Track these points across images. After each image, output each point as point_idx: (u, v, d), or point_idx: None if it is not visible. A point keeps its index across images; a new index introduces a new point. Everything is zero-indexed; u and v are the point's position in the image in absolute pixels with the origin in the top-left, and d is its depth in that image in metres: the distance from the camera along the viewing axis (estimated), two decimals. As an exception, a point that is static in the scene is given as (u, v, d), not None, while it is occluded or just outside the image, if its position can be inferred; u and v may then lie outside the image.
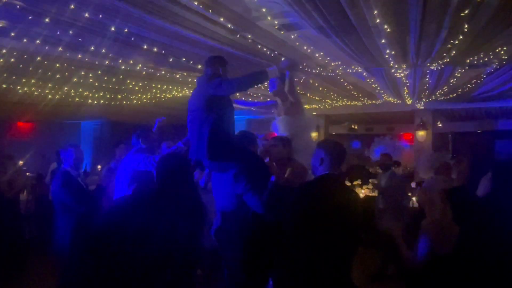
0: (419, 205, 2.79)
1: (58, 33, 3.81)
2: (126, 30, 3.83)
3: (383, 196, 5.88)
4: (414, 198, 6.86)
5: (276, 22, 3.90)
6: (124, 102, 8.13)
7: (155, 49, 4.48)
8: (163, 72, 5.72)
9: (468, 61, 5.16)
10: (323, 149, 2.46)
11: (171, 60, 4.95)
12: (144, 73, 5.65)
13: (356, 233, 2.32)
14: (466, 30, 3.85)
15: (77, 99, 7.37)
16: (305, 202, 2.28)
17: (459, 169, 2.51)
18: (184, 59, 4.99)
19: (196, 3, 3.25)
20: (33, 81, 5.85)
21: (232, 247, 2.94)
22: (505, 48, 4.54)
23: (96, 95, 7.23)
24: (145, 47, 4.36)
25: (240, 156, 2.95)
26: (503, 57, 4.87)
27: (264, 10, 3.57)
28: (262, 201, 2.63)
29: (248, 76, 3.00)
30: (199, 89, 3.22)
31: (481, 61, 5.12)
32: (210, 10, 3.43)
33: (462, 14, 3.46)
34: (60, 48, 4.25)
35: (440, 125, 10.67)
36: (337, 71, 5.93)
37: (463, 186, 2.31)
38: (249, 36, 4.19)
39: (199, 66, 5.31)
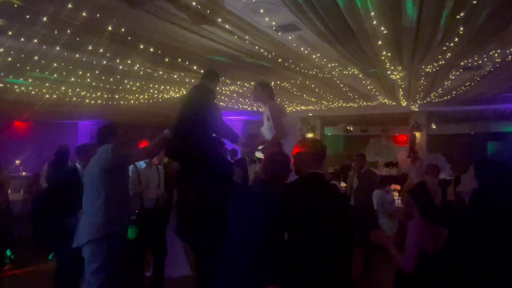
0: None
1: (55, 32, 3.81)
2: (123, 29, 3.84)
3: None
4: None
5: (273, 23, 3.93)
6: (122, 102, 8.11)
7: (152, 49, 4.49)
8: (161, 72, 5.74)
9: (462, 63, 5.22)
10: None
11: (168, 60, 4.97)
12: (141, 73, 5.66)
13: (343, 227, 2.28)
14: (461, 32, 3.91)
15: (74, 98, 7.33)
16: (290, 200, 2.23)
17: (415, 167, 2.59)
18: (180, 60, 5.01)
19: (194, 3, 3.27)
20: (30, 80, 5.84)
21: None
22: (498, 51, 4.60)
23: (94, 95, 7.20)
24: (142, 47, 4.38)
25: None
26: (497, 60, 4.94)
27: (261, 11, 3.60)
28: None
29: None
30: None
31: (475, 63, 5.19)
32: (208, 11, 3.46)
33: (457, 16, 3.51)
34: (57, 48, 4.25)
35: (434, 126, 10.75)
36: (333, 73, 5.97)
37: (421, 182, 2.42)
38: (247, 37, 4.22)
39: (195, 67, 5.33)
